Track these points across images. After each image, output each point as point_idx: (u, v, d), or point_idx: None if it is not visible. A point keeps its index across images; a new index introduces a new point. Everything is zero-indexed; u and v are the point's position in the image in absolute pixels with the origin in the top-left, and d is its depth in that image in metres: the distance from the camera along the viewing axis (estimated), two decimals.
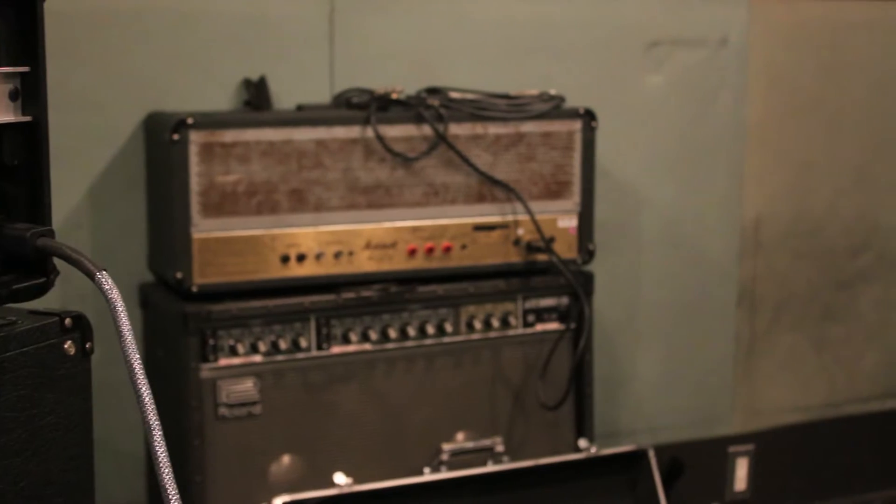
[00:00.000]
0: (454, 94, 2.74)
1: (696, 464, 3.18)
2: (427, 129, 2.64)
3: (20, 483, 1.18)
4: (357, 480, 2.49)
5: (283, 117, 2.59)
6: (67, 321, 1.24)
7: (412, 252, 2.67)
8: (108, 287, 1.19)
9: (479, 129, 2.70)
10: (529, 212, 2.73)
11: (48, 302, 1.27)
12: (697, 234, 3.40)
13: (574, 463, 2.68)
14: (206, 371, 2.50)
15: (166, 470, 1.19)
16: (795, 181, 3.53)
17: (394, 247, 2.66)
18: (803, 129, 3.52)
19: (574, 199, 2.82)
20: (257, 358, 2.54)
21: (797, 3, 3.44)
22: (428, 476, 2.59)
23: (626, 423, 3.37)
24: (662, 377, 3.42)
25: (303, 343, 2.57)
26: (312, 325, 2.59)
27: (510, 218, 2.75)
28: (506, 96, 2.76)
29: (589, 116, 2.80)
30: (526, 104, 2.74)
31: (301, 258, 2.57)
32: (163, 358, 2.64)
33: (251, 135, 2.50)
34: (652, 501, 2.73)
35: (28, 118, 1.25)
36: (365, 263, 2.63)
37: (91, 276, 1.19)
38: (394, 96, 2.65)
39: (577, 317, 2.82)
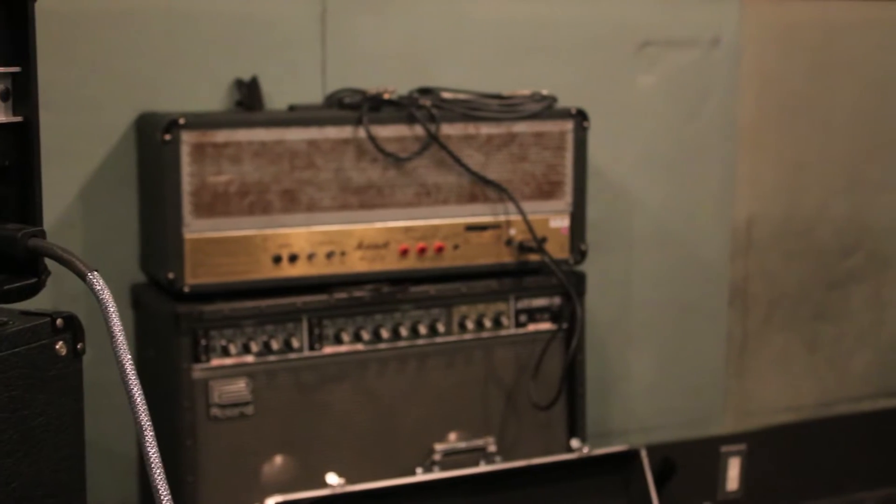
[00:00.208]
0: (446, 95, 2.74)
1: (688, 464, 3.19)
2: (419, 130, 2.64)
3: (11, 484, 1.18)
4: (349, 481, 2.49)
5: (274, 117, 2.59)
6: (59, 322, 1.24)
7: (404, 252, 2.67)
8: (99, 287, 1.19)
9: (471, 129, 2.70)
10: (521, 212, 2.74)
11: (40, 302, 1.26)
12: (689, 234, 3.40)
13: (566, 463, 2.68)
14: (198, 371, 2.50)
15: (158, 470, 1.19)
16: (787, 181, 3.53)
17: (386, 247, 2.66)
18: (795, 130, 3.52)
19: (566, 200, 2.82)
20: (249, 358, 2.54)
21: (789, 3, 3.45)
22: (420, 476, 2.59)
23: (618, 423, 3.37)
24: (654, 377, 3.42)
25: (295, 343, 2.57)
26: (304, 325, 2.59)
27: (502, 218, 2.75)
28: (498, 96, 2.76)
29: (581, 116, 2.80)
30: (518, 104, 2.75)
31: (293, 258, 2.57)
32: (155, 358, 2.64)
33: (243, 135, 2.50)
34: (644, 501, 2.73)
35: (19, 118, 1.24)
36: (357, 264, 2.63)
37: (82, 277, 1.19)
38: (386, 96, 2.65)
39: (570, 317, 2.82)
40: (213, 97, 2.79)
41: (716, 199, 3.42)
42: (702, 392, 3.49)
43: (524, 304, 2.80)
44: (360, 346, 2.64)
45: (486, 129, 2.72)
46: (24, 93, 1.24)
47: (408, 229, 2.67)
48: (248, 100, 2.74)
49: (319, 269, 2.60)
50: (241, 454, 2.55)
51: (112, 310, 1.19)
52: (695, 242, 3.41)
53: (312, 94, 2.86)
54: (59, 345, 1.24)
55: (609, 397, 3.34)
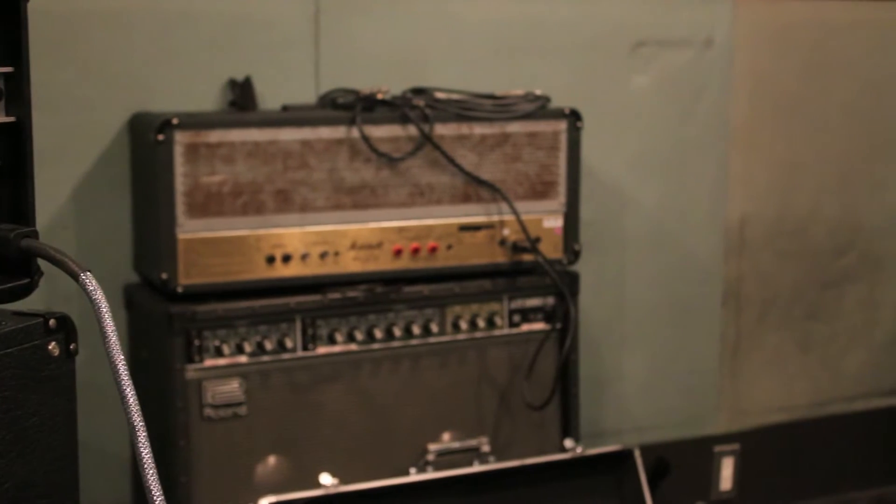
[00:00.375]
0: (439, 95, 2.74)
1: (681, 463, 3.19)
2: (412, 130, 2.64)
3: (4, 484, 1.18)
4: (343, 481, 2.49)
5: (268, 118, 2.59)
6: (52, 322, 1.24)
7: (398, 252, 2.67)
8: (92, 288, 1.19)
9: (464, 129, 2.70)
10: (515, 212, 2.74)
11: (33, 303, 1.26)
12: (683, 234, 3.40)
13: (560, 463, 2.69)
14: (191, 372, 2.50)
15: (151, 471, 1.19)
16: (780, 181, 3.54)
17: (379, 247, 2.66)
18: (788, 130, 3.53)
19: (559, 200, 2.82)
20: (243, 358, 2.54)
21: (782, 4, 3.45)
22: (414, 476, 2.59)
23: (611, 422, 3.37)
24: (648, 377, 3.42)
25: (288, 343, 2.57)
26: (298, 325, 2.59)
27: (496, 218, 2.75)
28: (491, 96, 2.76)
29: (574, 117, 2.80)
30: (511, 104, 2.75)
31: (286, 259, 2.57)
32: (148, 359, 2.64)
33: (236, 135, 2.50)
34: (638, 501, 2.73)
35: (12, 119, 1.24)
36: (350, 264, 2.63)
37: (75, 277, 1.19)
38: (379, 96, 2.65)
39: (563, 317, 2.82)
40: (207, 97, 2.79)
41: (709, 199, 3.42)
42: (695, 392, 3.49)
43: (518, 304, 2.81)
44: (353, 347, 2.64)
45: (479, 130, 2.72)
46: (16, 93, 1.24)
47: (401, 229, 2.67)
48: (241, 100, 2.74)
49: (313, 269, 2.60)
50: (234, 454, 2.55)
51: (105, 310, 1.19)
52: (688, 242, 3.41)
53: (306, 95, 2.86)
54: (52, 345, 1.24)
55: (603, 397, 3.34)
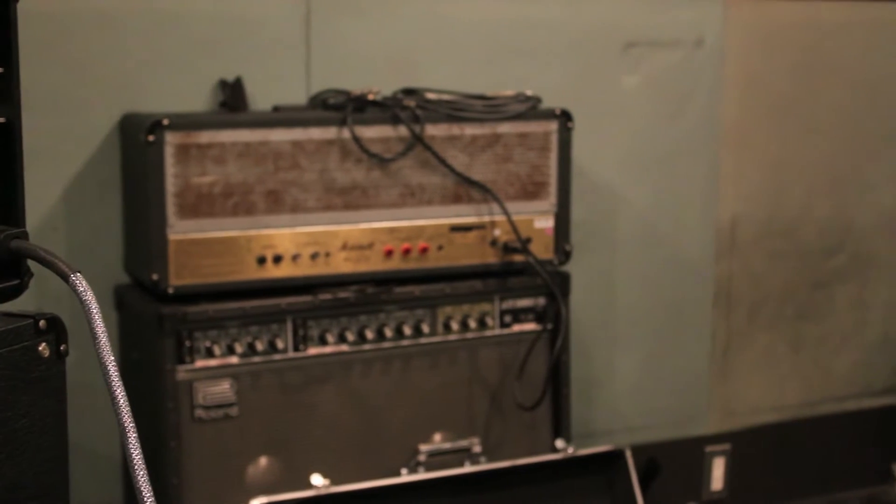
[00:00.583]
0: (430, 95, 2.74)
1: (672, 464, 3.19)
2: (403, 130, 2.64)
3: None
4: (334, 482, 2.49)
5: (259, 118, 2.58)
6: (42, 323, 1.23)
7: (389, 253, 2.67)
8: (82, 289, 1.18)
9: (455, 129, 2.70)
10: (506, 212, 2.74)
11: (23, 304, 1.26)
12: (674, 235, 3.41)
13: (551, 463, 2.69)
14: (182, 373, 2.49)
15: (141, 472, 1.19)
16: (771, 182, 3.54)
17: (370, 248, 2.65)
18: (779, 130, 3.53)
19: (550, 200, 2.82)
20: (234, 359, 2.53)
21: (772, 4, 3.46)
22: (405, 477, 2.59)
23: (602, 423, 3.37)
24: (639, 377, 3.42)
25: (279, 344, 2.57)
26: (289, 326, 2.58)
27: (487, 219, 2.75)
28: (482, 97, 2.76)
29: (565, 117, 2.81)
30: (502, 105, 2.75)
31: (277, 259, 2.57)
32: (139, 360, 2.63)
33: (227, 136, 2.50)
34: (629, 501, 2.74)
35: (1, 119, 1.24)
36: (341, 264, 2.63)
37: (65, 278, 1.19)
38: (370, 97, 2.65)
39: (554, 317, 2.82)
40: (197, 98, 2.78)
41: (700, 200, 3.43)
42: (686, 392, 3.50)
43: (509, 304, 2.81)
44: (344, 347, 2.64)
45: (470, 130, 2.72)
46: (6, 94, 1.24)
47: (392, 230, 2.67)
48: (232, 100, 2.73)
49: (304, 269, 2.60)
50: (225, 455, 2.55)
51: (95, 311, 1.18)
52: (679, 242, 3.42)
53: (297, 95, 2.86)
54: (42, 346, 1.23)
55: (594, 397, 3.35)
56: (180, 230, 2.48)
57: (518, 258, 2.78)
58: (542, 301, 2.83)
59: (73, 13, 2.66)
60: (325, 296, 2.61)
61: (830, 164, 3.62)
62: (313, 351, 2.61)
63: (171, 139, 2.45)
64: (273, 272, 2.57)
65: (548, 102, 2.84)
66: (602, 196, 3.28)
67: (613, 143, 3.28)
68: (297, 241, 2.58)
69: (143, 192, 2.51)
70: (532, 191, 2.80)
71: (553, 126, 2.80)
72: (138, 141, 2.49)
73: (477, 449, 2.77)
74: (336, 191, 2.61)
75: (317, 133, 2.58)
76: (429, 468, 2.70)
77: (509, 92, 2.80)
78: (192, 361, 2.50)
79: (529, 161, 2.78)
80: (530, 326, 2.83)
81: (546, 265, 2.81)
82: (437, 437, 2.76)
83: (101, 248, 2.74)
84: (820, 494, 3.73)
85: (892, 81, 3.68)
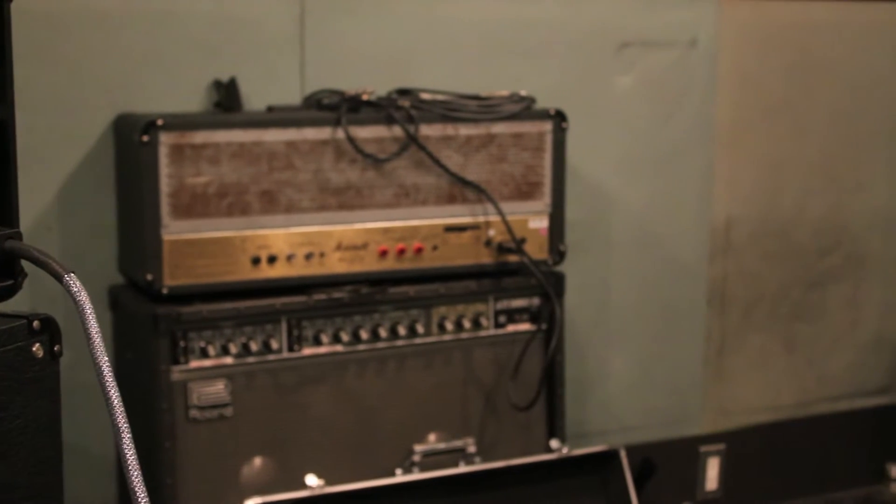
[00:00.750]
0: (425, 95, 2.74)
1: (667, 464, 3.20)
2: (398, 130, 2.64)
3: None
4: (329, 482, 2.48)
5: (253, 119, 2.58)
6: (36, 324, 1.23)
7: (383, 253, 2.67)
8: (76, 289, 1.18)
9: (449, 130, 2.70)
10: (500, 213, 2.74)
11: (18, 304, 1.26)
12: (668, 235, 3.41)
13: (546, 463, 2.69)
14: (176, 373, 2.49)
15: (135, 472, 1.18)
16: (765, 182, 3.54)
17: (365, 248, 2.65)
18: (772, 130, 3.53)
19: (545, 200, 2.82)
20: (228, 360, 2.53)
21: (766, 4, 3.46)
22: (400, 477, 2.59)
23: (597, 423, 3.38)
24: (633, 377, 3.42)
25: (274, 345, 2.57)
26: (283, 326, 2.58)
27: (481, 219, 2.76)
28: (476, 97, 2.76)
29: (559, 117, 2.81)
30: (496, 105, 2.75)
31: (272, 260, 2.57)
32: (133, 360, 2.63)
33: (221, 136, 2.50)
34: (624, 501, 2.74)
35: None
36: (336, 265, 2.63)
37: (59, 279, 1.19)
38: (364, 97, 2.65)
39: (549, 317, 2.83)
40: (192, 98, 2.78)
41: (694, 200, 3.43)
42: (681, 392, 3.50)
43: (503, 304, 2.81)
44: (339, 348, 2.64)
45: (464, 130, 2.72)
46: (0, 93, 1.23)
47: (387, 230, 2.67)
48: (226, 101, 2.73)
49: (298, 270, 2.60)
50: (220, 456, 2.54)
51: (89, 311, 1.18)
52: (673, 243, 3.42)
53: (291, 95, 2.85)
54: (36, 347, 1.23)
55: (588, 398, 3.35)
56: (174, 230, 2.48)
57: (512, 258, 2.78)
58: (536, 301, 2.84)
59: (67, 13, 2.66)
60: (320, 296, 2.61)
61: (824, 164, 3.63)
62: (308, 351, 2.61)
63: (166, 139, 2.45)
64: (267, 272, 2.57)
65: (542, 103, 2.84)
66: (596, 196, 3.28)
67: (608, 144, 3.28)
68: (291, 242, 2.58)
69: (137, 193, 2.51)
70: (526, 191, 2.80)
71: (547, 126, 2.80)
72: (132, 141, 2.49)
73: (471, 449, 2.77)
74: (330, 191, 2.60)
75: (311, 133, 2.58)
76: (423, 468, 2.70)
77: (504, 92, 2.80)
78: (187, 362, 2.50)
79: (524, 161, 2.78)
80: (525, 327, 2.83)
81: (540, 265, 2.81)
82: (432, 437, 2.76)
83: (95, 249, 2.74)
84: (814, 494, 3.74)
85: (885, 81, 3.68)
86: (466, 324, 2.76)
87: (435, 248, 2.72)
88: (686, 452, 3.47)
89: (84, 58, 2.68)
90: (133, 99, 2.71)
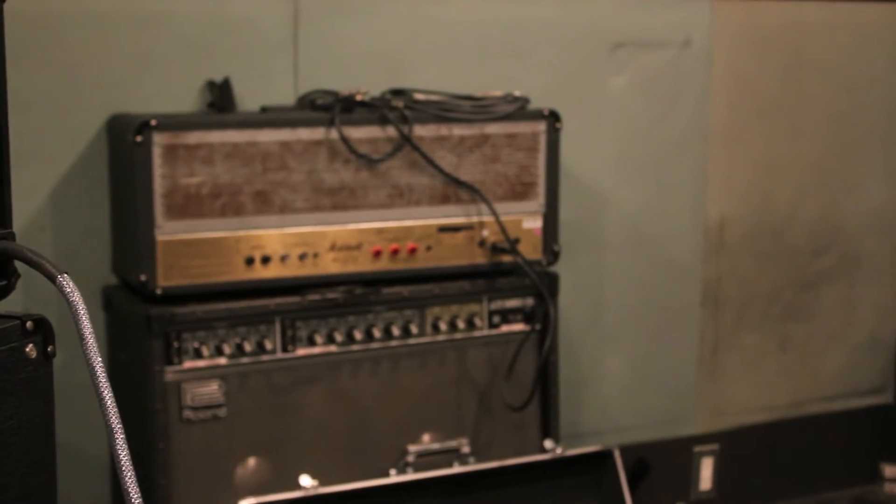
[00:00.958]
0: (418, 96, 2.74)
1: (661, 464, 3.20)
2: (391, 131, 2.64)
3: None
4: (323, 482, 2.48)
5: (247, 119, 2.58)
6: (29, 324, 1.23)
7: (377, 254, 2.67)
8: (69, 290, 1.18)
9: (443, 130, 2.70)
10: (494, 213, 2.74)
11: (10, 305, 1.26)
12: (662, 235, 3.41)
13: (540, 464, 2.69)
14: (170, 374, 2.49)
15: (129, 473, 1.18)
16: (759, 182, 3.55)
17: (359, 248, 2.65)
18: (766, 130, 3.54)
19: (539, 201, 2.82)
20: (222, 360, 2.53)
21: (759, 5, 3.46)
22: (394, 478, 2.59)
23: (591, 423, 3.38)
24: (627, 378, 3.43)
25: (268, 345, 2.57)
26: (277, 327, 2.58)
27: (475, 219, 2.76)
28: (470, 98, 2.76)
29: (553, 118, 2.81)
30: (490, 105, 2.75)
31: (266, 260, 2.56)
32: (127, 361, 2.63)
33: (215, 136, 2.50)
34: (617, 501, 2.74)
35: None
36: (330, 265, 2.63)
37: (52, 279, 1.19)
38: (358, 98, 2.65)
39: (543, 318, 2.83)
40: (185, 99, 2.78)
41: (688, 200, 3.43)
42: (674, 392, 3.50)
43: (497, 305, 2.81)
44: (333, 348, 2.64)
45: (458, 131, 2.72)
46: None
47: (381, 230, 2.67)
48: (220, 101, 2.73)
49: (292, 270, 2.59)
50: (213, 456, 2.54)
51: (82, 312, 1.18)
52: (667, 243, 3.42)
53: (285, 96, 2.85)
54: (30, 347, 1.23)
55: (582, 398, 3.35)
56: (168, 231, 2.48)
57: (506, 259, 2.78)
58: (530, 301, 2.84)
59: (60, 14, 2.65)
60: (314, 296, 2.61)
61: (818, 164, 3.63)
62: (302, 352, 2.61)
63: (159, 140, 2.45)
64: (261, 273, 2.57)
65: (536, 103, 2.84)
66: (590, 196, 3.28)
67: (601, 144, 3.29)
68: (285, 242, 2.58)
69: (130, 193, 2.50)
70: (520, 191, 2.80)
71: (541, 126, 2.80)
72: (126, 141, 2.49)
73: (466, 449, 2.77)
74: (324, 191, 2.60)
75: (305, 134, 2.58)
76: (417, 469, 2.70)
77: (497, 92, 2.80)
78: (181, 362, 2.50)
79: (518, 161, 2.78)
80: (519, 327, 2.83)
81: (534, 266, 2.81)
82: (426, 437, 2.76)
83: (88, 249, 2.74)
84: (808, 494, 3.74)
85: (879, 82, 3.69)
86: (460, 324, 2.76)
87: (429, 248, 2.72)
88: (680, 452, 3.47)
89: (78, 58, 2.68)
90: (127, 99, 2.71)
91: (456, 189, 2.73)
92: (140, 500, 1.18)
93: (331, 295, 2.62)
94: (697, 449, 3.45)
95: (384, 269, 2.69)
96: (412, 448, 2.72)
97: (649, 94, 3.33)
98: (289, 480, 2.55)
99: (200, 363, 2.51)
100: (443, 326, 2.74)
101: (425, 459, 2.73)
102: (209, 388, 2.52)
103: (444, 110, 2.70)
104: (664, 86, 3.35)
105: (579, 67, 3.23)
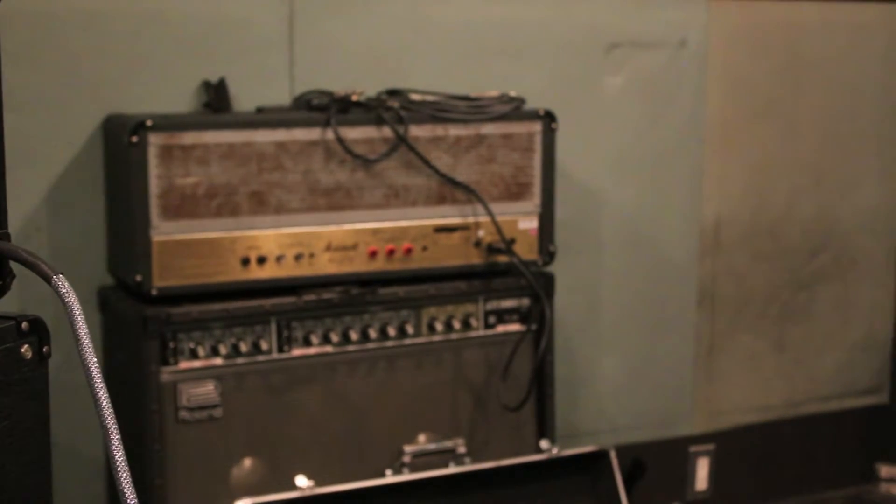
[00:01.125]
0: (414, 96, 2.74)
1: (657, 464, 3.20)
2: (387, 131, 2.64)
3: None
4: (319, 483, 2.48)
5: (242, 119, 2.58)
6: (24, 325, 1.23)
7: (373, 254, 2.67)
8: (64, 290, 1.18)
9: (439, 130, 2.70)
10: (490, 213, 2.74)
11: (6, 305, 1.26)
12: (657, 235, 3.41)
13: (536, 464, 2.69)
14: (166, 374, 2.49)
15: (124, 474, 1.18)
16: (755, 182, 3.55)
17: (354, 249, 2.65)
18: (761, 131, 3.54)
19: (534, 201, 2.82)
20: (218, 361, 2.53)
21: (755, 5, 3.47)
22: (390, 478, 2.59)
23: (587, 423, 3.38)
24: (623, 378, 3.43)
25: (263, 345, 2.57)
26: (273, 327, 2.58)
27: (471, 219, 2.76)
28: (466, 98, 2.76)
29: (549, 118, 2.81)
30: (486, 106, 2.75)
31: (261, 260, 2.56)
32: (122, 361, 2.63)
33: (211, 137, 2.50)
34: (614, 502, 2.74)
35: None
36: (326, 265, 2.63)
37: (47, 280, 1.19)
38: (354, 98, 2.65)
39: (538, 318, 2.83)
40: (181, 99, 2.78)
41: (684, 200, 3.43)
42: (671, 392, 3.50)
43: (493, 305, 2.81)
44: (329, 349, 2.64)
45: (454, 131, 2.72)
46: None
47: (376, 231, 2.67)
48: (215, 101, 2.73)
49: (288, 271, 2.59)
50: (209, 457, 2.54)
51: (78, 313, 1.18)
52: (663, 243, 3.42)
53: (280, 96, 2.85)
54: (25, 348, 1.23)
55: (578, 398, 3.35)
56: (164, 231, 2.48)
57: (502, 259, 2.78)
58: (526, 302, 2.84)
59: (56, 14, 2.65)
60: (310, 297, 2.61)
61: (814, 164, 3.63)
62: (297, 352, 2.61)
63: (155, 140, 2.45)
64: (257, 273, 2.57)
65: (531, 103, 2.84)
66: (586, 197, 3.28)
67: (597, 144, 3.29)
68: (281, 243, 2.58)
69: (126, 194, 2.50)
70: (516, 192, 2.80)
71: (537, 127, 2.80)
72: (122, 142, 2.48)
73: (461, 450, 2.77)
74: (320, 192, 2.60)
75: (301, 134, 2.58)
76: (413, 469, 2.70)
77: (493, 93, 2.80)
78: (176, 363, 2.49)
79: (513, 162, 2.78)
80: (515, 327, 2.83)
81: (530, 266, 2.81)
82: (422, 437, 2.76)
83: (84, 250, 2.73)
84: (804, 494, 3.74)
85: (874, 82, 3.69)
86: (456, 324, 2.76)
87: (424, 248, 2.72)
88: (676, 452, 3.47)
89: (73, 58, 2.68)
90: (122, 100, 2.71)
91: (452, 189, 2.73)
92: (135, 500, 1.18)
93: (327, 295, 2.62)
94: (693, 449, 3.46)
95: (380, 270, 2.69)
96: (408, 448, 2.72)
97: (645, 95, 3.33)
98: (285, 481, 2.55)
99: (196, 364, 2.51)
100: (439, 327, 2.74)
101: (421, 460, 2.73)
102: (205, 389, 2.52)
103: (439, 111, 2.70)
104: (660, 86, 3.35)
105: (575, 68, 3.23)
